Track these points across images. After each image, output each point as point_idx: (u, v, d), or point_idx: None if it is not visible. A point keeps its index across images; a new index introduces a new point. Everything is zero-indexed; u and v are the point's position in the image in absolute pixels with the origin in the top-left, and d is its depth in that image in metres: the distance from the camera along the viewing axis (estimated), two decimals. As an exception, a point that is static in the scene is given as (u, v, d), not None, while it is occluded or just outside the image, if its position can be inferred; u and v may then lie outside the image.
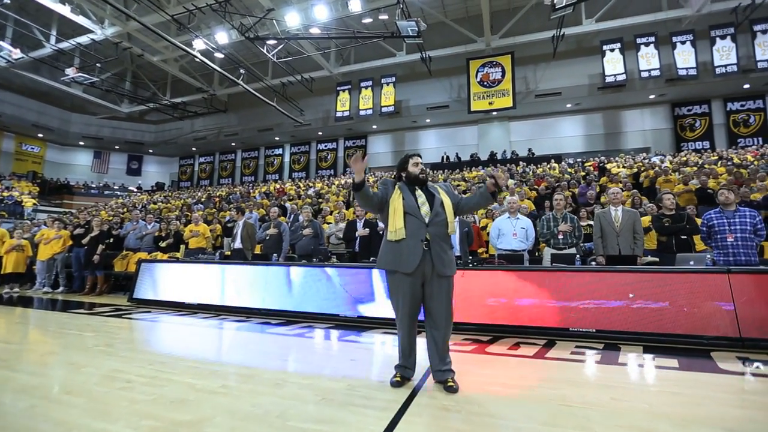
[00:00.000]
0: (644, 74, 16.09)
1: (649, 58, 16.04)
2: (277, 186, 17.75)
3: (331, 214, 8.42)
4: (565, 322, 3.48)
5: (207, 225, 9.25)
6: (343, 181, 16.13)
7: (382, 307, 4.11)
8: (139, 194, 23.14)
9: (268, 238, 5.96)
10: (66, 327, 3.98)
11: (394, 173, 2.57)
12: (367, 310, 4.19)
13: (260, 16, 14.44)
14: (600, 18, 15.48)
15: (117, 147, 26.34)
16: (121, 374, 2.39)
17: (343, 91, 20.11)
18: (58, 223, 7.97)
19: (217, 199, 15.68)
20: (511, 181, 11.66)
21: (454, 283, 2.36)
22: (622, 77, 16.19)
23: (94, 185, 24.38)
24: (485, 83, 17.81)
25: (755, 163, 10.89)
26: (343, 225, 6.74)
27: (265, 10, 14.38)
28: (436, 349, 2.29)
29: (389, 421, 1.76)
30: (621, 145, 18.21)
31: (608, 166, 13.01)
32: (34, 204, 19.01)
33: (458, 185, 11.69)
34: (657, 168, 11.29)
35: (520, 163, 16.09)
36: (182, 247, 7.63)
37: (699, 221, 4.21)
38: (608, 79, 16.34)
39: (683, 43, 15.74)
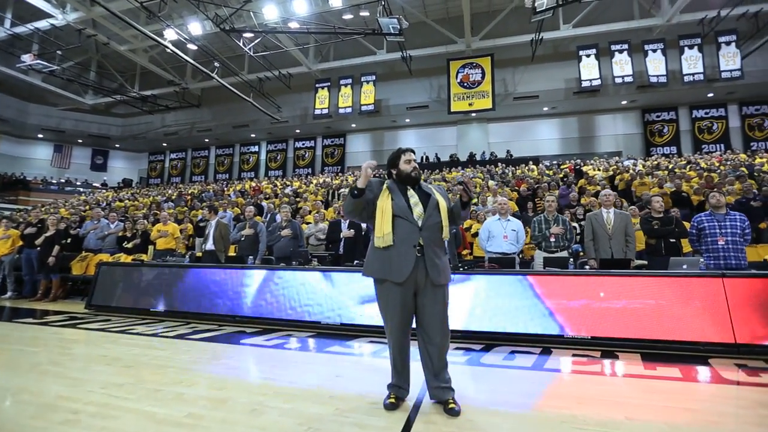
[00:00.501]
0: (618, 80, 16.54)
1: (622, 65, 16.51)
2: (253, 184, 17.14)
3: (310, 213, 8.10)
4: (560, 329, 3.34)
5: (177, 224, 8.73)
6: (321, 180, 15.74)
7: (366, 313, 3.86)
8: (104, 191, 21.83)
9: (243, 239, 5.59)
10: (7, 340, 3.50)
11: (379, 173, 2.32)
12: (350, 317, 3.93)
13: (236, 7, 13.83)
14: (577, 24, 15.80)
15: (80, 141, 24.79)
16: (65, 403, 2.02)
17: (322, 88, 19.69)
18: (7, 221, 7.26)
19: (188, 197, 14.94)
20: (492, 183, 11.66)
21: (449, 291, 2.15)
22: (598, 82, 16.60)
23: (54, 181, 22.84)
24: (465, 84, 17.85)
25: (721, 168, 11.32)
26: (322, 225, 6.44)
27: (242, 2, 13.79)
28: (432, 365, 2.06)
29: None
30: (594, 149, 18.69)
31: (584, 168, 13.25)
32: (-16, 200, 17.59)
33: (439, 185, 11.56)
34: (632, 171, 11.57)
35: (499, 164, 16.21)
36: (151, 248, 7.11)
37: (686, 224, 4.19)
38: (584, 84, 16.70)
39: (654, 51, 16.29)
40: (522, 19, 15.51)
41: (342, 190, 12.31)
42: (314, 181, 15.89)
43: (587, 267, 3.69)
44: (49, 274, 6.41)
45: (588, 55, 16.68)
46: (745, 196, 6.84)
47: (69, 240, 6.97)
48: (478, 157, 18.09)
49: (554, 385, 2.44)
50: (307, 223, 7.33)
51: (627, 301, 3.26)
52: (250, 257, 5.25)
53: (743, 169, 10.67)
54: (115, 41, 17.42)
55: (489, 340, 3.45)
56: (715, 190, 3.84)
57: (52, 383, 2.32)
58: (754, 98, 17.16)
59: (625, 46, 16.47)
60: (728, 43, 15.61)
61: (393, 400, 2.03)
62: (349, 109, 19.22)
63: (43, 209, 14.81)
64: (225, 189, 16.49)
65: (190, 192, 16.76)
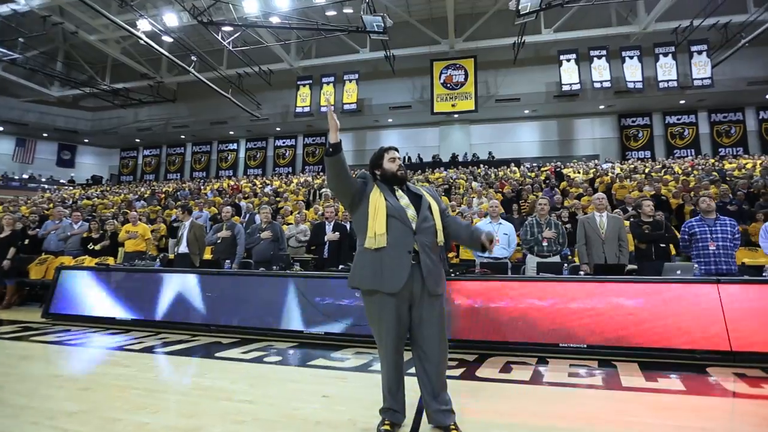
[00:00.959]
0: (597, 85, 16.89)
1: (601, 70, 16.87)
2: (232, 183, 16.58)
3: (291, 214, 7.78)
4: (556, 338, 3.21)
5: (150, 224, 8.25)
6: (302, 180, 15.37)
7: (352, 322, 3.64)
8: (71, 188, 20.68)
9: (219, 241, 5.26)
10: (-53, 356, 3.10)
11: (361, 173, 2.08)
12: (335, 326, 3.69)
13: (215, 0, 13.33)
14: (558, 29, 16.02)
15: (45, 135, 23.43)
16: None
17: (304, 85, 19.29)
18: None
19: (162, 195, 14.27)
20: (475, 184, 11.63)
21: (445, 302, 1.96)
22: (577, 86, 16.88)
23: (15, 177, 21.49)
24: (448, 85, 17.84)
25: (695, 172, 11.66)
26: (303, 227, 6.16)
27: (220, -7, 13.30)
28: (430, 385, 1.85)
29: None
30: (573, 152, 19.07)
31: (565, 171, 13.41)
32: (-64, 197, 16.31)
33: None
34: (611, 174, 11.77)
35: (481, 165, 16.27)
36: (121, 250, 6.65)
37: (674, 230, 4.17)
38: (564, 88, 16.96)
39: (631, 57, 16.71)
40: (505, 22, 15.62)
41: (323, 189, 12.01)
42: (295, 181, 15.50)
43: (581, 273, 3.59)
44: (2, 279, 5.88)
45: (568, 60, 16.96)
46: (721, 200, 6.99)
47: (27, 241, 6.43)
48: (460, 159, 18.13)
49: (558, 404, 2.28)
50: (288, 224, 7.03)
51: (623, 308, 3.17)
52: (227, 261, 4.94)
53: (715, 173, 11.02)
54: (84, 30, 16.49)
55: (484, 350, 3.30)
56: (702, 194, 3.81)
57: (-11, 414, 1.99)
58: (722, 106, 17.92)
59: (604, 52, 16.83)
60: (700, 53, 16.18)
61: (388, 427, 1.82)
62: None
63: (0, 207, 13.84)
64: (202, 187, 15.87)
65: (164, 190, 16.05)
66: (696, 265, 3.53)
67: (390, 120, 20.29)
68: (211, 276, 4.32)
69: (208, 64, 17.13)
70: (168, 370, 2.77)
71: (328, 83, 19.01)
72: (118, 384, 2.46)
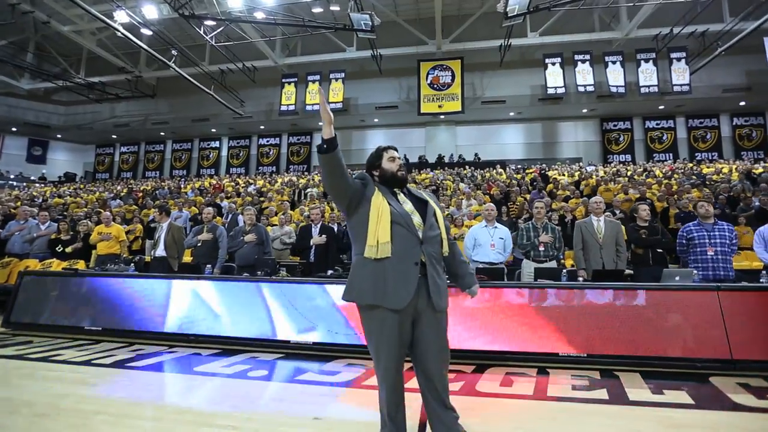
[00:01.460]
0: (581, 89, 17.12)
1: (585, 74, 17.12)
2: (214, 182, 16.09)
3: (276, 215, 7.51)
4: (556, 347, 3.09)
5: (125, 225, 7.83)
6: (286, 179, 15.02)
7: (342, 331, 3.44)
8: (41, 186, 19.69)
9: (200, 244, 4.98)
10: None
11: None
12: (324, 336, 3.49)
13: (196, -8, 12.89)
14: (543, 32, 16.17)
15: (14, 129, 22.26)
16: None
17: (289, 83, 18.89)
18: None
19: (139, 194, 13.70)
20: (462, 185, 11.57)
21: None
22: (562, 90, 17.09)
23: (-20, 173, 20.36)
24: (435, 86, 17.79)
25: (675, 176, 11.91)
26: (288, 228, 5.92)
27: (203, -14, 12.88)
28: (436, 407, 1.70)
29: None
30: (557, 154, 19.31)
31: (550, 173, 13.52)
32: None
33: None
34: (596, 177, 11.91)
35: (467, 167, 16.28)
36: (94, 253, 6.25)
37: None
38: (549, 91, 17.14)
39: (614, 63, 17.02)
40: (492, 24, 15.68)
41: (309, 189, 11.73)
42: (279, 180, 15.14)
43: (580, 279, 3.49)
44: (-40, 284, 5.43)
45: (553, 63, 17.14)
46: (706, 204, 7.07)
47: (-12, 243, 5.98)
48: (446, 160, 18.11)
49: (567, 422, 2.15)
50: (273, 225, 6.77)
51: (624, 316, 3.07)
52: (208, 265, 4.67)
53: (694, 177, 11.27)
54: (56, 20, 15.73)
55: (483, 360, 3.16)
56: (701, 199, 3.78)
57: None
58: (699, 112, 18.50)
59: (587, 57, 17.09)
60: (679, 59, 16.61)
61: (389, 457, 1.64)
62: (316, 107, 18.55)
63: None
64: (182, 186, 15.33)
65: (142, 189, 15.43)
66: (695, 271, 3.48)
67: (376, 120, 20.12)
68: (191, 281, 4.04)
69: (190, 59, 16.57)
70: (141, 389, 2.51)
71: (313, 81, 18.68)
72: (81, 409, 2.17)
